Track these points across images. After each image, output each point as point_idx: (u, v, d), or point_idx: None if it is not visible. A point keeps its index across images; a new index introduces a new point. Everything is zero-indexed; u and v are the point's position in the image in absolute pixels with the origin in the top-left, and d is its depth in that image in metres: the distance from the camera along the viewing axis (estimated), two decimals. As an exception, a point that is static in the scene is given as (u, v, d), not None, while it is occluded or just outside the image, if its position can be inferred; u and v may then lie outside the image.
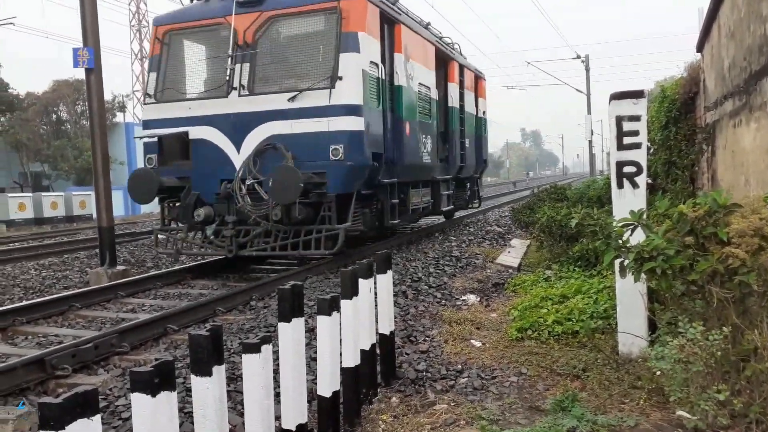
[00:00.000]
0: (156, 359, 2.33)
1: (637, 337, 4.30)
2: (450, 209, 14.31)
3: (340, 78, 8.28)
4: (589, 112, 37.39)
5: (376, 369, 4.17)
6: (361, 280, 3.87)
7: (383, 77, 9.33)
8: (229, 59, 8.81)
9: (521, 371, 4.44)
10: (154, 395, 2.14)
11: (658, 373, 3.53)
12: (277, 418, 2.99)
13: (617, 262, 3.76)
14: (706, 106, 8.12)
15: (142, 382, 2.14)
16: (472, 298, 7.05)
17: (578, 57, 37.44)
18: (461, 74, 14.31)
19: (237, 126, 8.70)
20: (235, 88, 8.77)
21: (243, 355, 2.76)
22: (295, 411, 3.04)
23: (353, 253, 9.77)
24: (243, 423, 3.11)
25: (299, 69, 8.82)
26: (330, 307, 3.45)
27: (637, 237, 3.64)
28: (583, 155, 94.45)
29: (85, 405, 1.83)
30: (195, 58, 9.58)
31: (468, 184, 15.91)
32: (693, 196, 7.43)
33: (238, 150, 8.69)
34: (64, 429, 1.77)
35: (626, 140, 4.48)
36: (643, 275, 3.47)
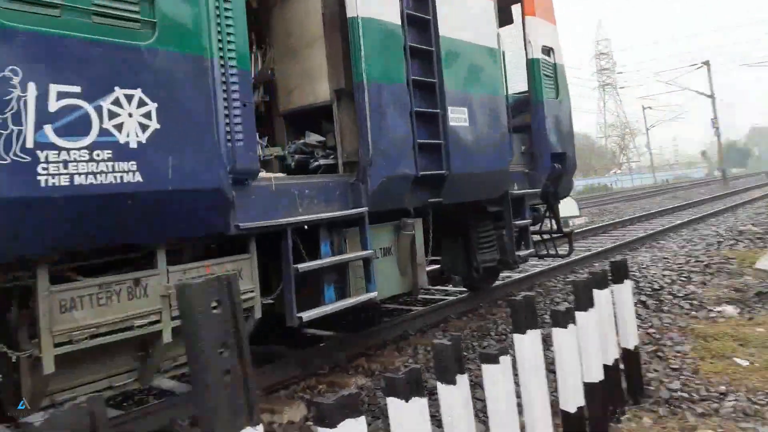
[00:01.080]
0: (405, 365, 2.49)
1: None
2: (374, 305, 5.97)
3: None
4: None
5: (621, 385, 3.89)
6: (595, 291, 3.66)
7: None
8: None
9: (804, 398, 3.75)
10: (407, 400, 2.29)
11: None
12: (522, 429, 2.95)
13: None
14: None
15: (396, 387, 2.30)
16: (729, 310, 6.18)
17: None
18: None
19: None
20: None
21: (482, 365, 2.79)
22: (542, 424, 2.98)
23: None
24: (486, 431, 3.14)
25: None
26: (565, 319, 3.32)
27: None
28: None
29: (352, 406, 2.03)
30: None
31: (501, 213, 6.30)
32: None
33: None
34: (336, 427, 1.98)
35: None
36: None
